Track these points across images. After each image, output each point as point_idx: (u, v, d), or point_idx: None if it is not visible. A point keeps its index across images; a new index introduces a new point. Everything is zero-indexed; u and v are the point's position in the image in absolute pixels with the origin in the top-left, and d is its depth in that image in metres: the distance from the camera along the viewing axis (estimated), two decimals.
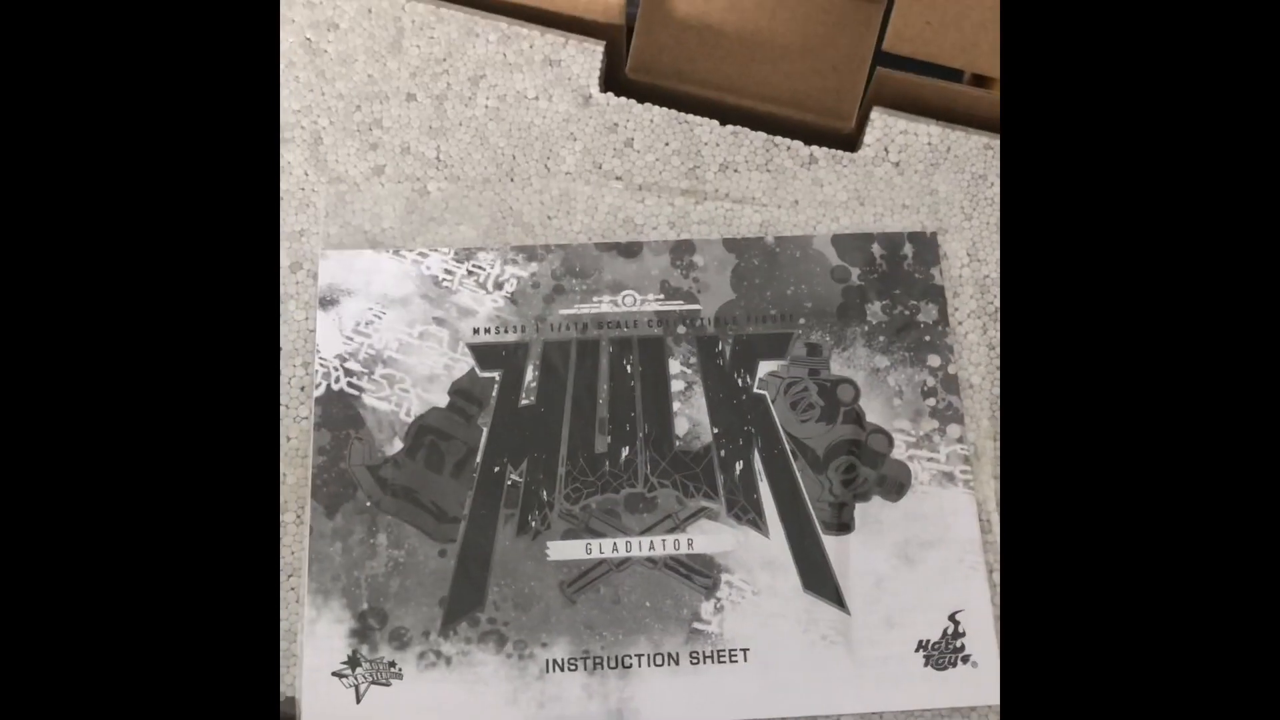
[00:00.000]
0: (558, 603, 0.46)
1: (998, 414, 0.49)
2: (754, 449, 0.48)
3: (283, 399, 0.49)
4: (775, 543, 0.47)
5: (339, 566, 0.46)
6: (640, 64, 0.56)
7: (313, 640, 0.45)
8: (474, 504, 0.47)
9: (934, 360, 0.50)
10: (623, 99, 0.55)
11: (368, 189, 0.53)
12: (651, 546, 0.47)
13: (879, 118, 0.54)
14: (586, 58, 0.55)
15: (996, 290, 0.52)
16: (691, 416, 0.49)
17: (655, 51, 0.56)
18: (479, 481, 0.48)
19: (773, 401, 0.49)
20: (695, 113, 0.55)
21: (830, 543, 0.47)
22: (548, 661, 0.45)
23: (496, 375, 0.49)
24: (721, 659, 0.45)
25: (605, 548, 0.47)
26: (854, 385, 0.50)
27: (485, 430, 0.48)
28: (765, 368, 0.50)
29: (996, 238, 0.52)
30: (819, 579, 0.47)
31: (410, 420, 0.48)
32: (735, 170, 0.54)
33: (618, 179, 0.53)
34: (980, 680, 0.45)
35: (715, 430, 0.49)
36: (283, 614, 0.47)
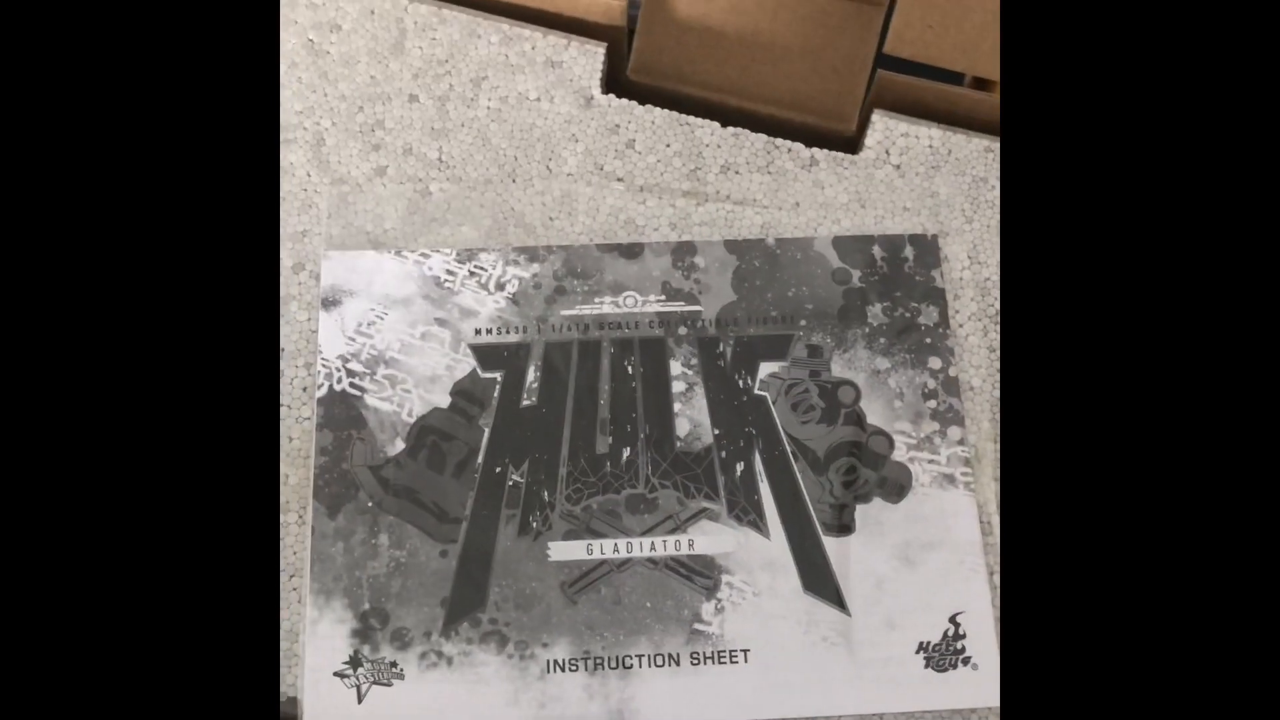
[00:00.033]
0: (559, 603, 0.46)
1: (998, 416, 0.49)
2: (755, 450, 0.49)
3: (285, 399, 0.49)
4: (776, 544, 0.47)
5: (341, 567, 0.46)
6: (641, 66, 0.56)
7: (314, 640, 0.46)
8: (475, 504, 0.47)
9: (935, 362, 0.50)
10: (624, 100, 0.55)
11: (370, 190, 0.53)
12: (652, 547, 0.47)
13: (880, 120, 0.55)
14: (588, 59, 0.55)
15: (997, 293, 0.52)
16: (692, 417, 0.49)
17: (656, 53, 0.56)
18: (480, 482, 0.48)
19: (774, 403, 0.49)
20: (696, 115, 0.55)
21: (831, 544, 0.47)
22: (549, 662, 0.45)
23: (498, 376, 0.49)
24: (722, 660, 0.46)
25: (606, 548, 0.47)
26: (855, 387, 0.50)
27: (487, 431, 0.49)
28: (766, 369, 0.50)
29: (997, 240, 0.52)
30: (819, 580, 0.47)
31: (412, 421, 0.49)
32: (736, 172, 0.54)
33: (619, 180, 0.53)
34: (980, 682, 0.45)
35: (716, 431, 0.49)
36: (285, 614, 0.47)
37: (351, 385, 0.49)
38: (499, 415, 0.49)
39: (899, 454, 0.49)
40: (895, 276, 0.52)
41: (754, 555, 0.47)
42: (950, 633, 0.46)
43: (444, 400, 0.49)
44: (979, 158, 0.54)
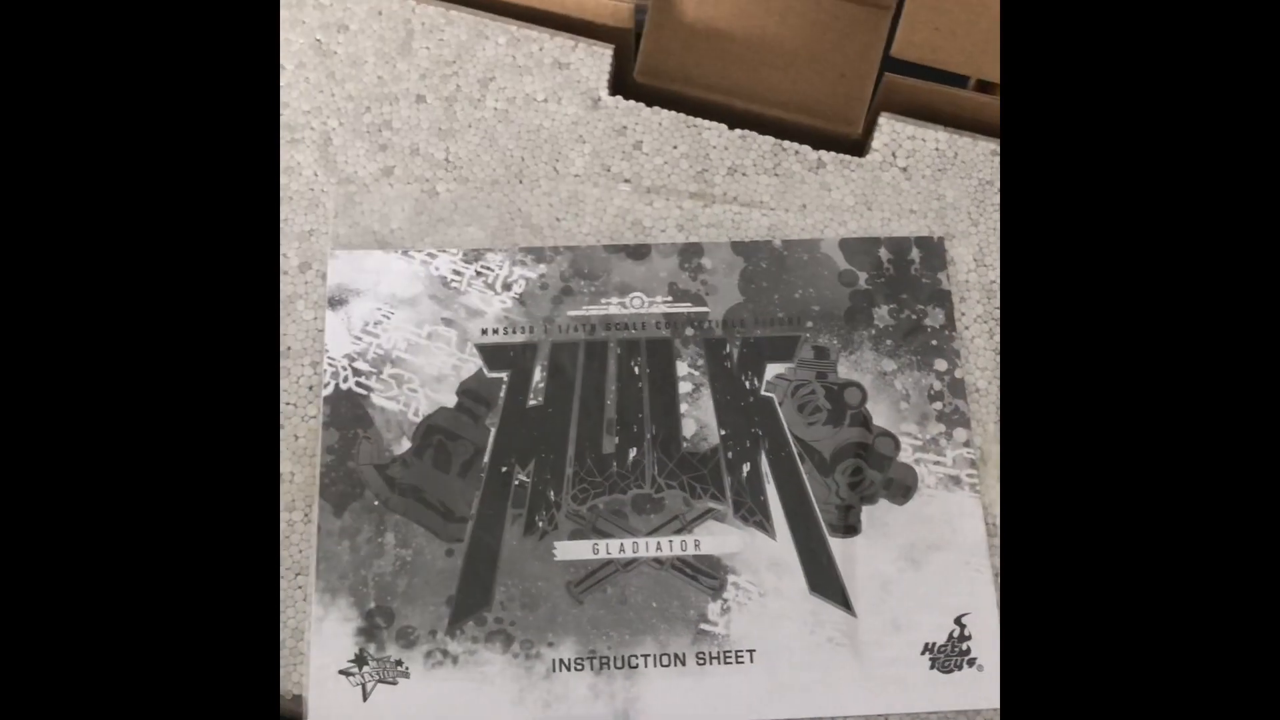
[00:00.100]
0: (564, 603, 0.46)
1: None
2: (761, 451, 0.49)
3: (291, 398, 0.49)
4: (782, 544, 0.47)
5: (346, 565, 0.46)
6: (648, 68, 0.56)
7: (320, 638, 0.45)
8: (481, 504, 0.47)
9: (941, 364, 0.50)
10: (631, 102, 0.55)
11: (377, 190, 0.53)
12: (658, 547, 0.47)
13: (887, 123, 0.55)
14: (596, 61, 0.55)
15: None
16: (699, 418, 0.49)
17: (664, 56, 0.56)
18: (486, 481, 0.48)
19: (780, 404, 0.49)
20: (703, 117, 0.55)
21: (837, 545, 0.47)
22: (554, 661, 0.45)
23: (504, 376, 0.49)
24: (728, 660, 0.45)
25: (612, 548, 0.47)
26: (861, 388, 0.50)
27: (493, 430, 0.49)
28: (773, 370, 0.50)
29: None
30: (825, 581, 0.47)
31: (418, 420, 0.49)
32: (743, 174, 0.54)
33: (626, 181, 0.54)
34: (985, 683, 0.45)
35: (722, 432, 0.49)
36: (290, 612, 0.47)
37: (358, 384, 0.49)
38: (505, 415, 0.49)
39: (905, 455, 0.49)
40: (901, 279, 0.52)
41: (760, 556, 0.47)
42: (955, 634, 0.46)
43: (450, 400, 0.49)
44: (985, 161, 0.54)
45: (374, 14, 0.56)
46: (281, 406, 0.49)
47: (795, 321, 0.51)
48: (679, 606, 0.46)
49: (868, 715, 0.45)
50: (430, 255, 0.51)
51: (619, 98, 0.55)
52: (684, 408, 0.49)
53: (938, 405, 0.49)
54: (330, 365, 0.49)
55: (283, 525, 0.48)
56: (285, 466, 0.48)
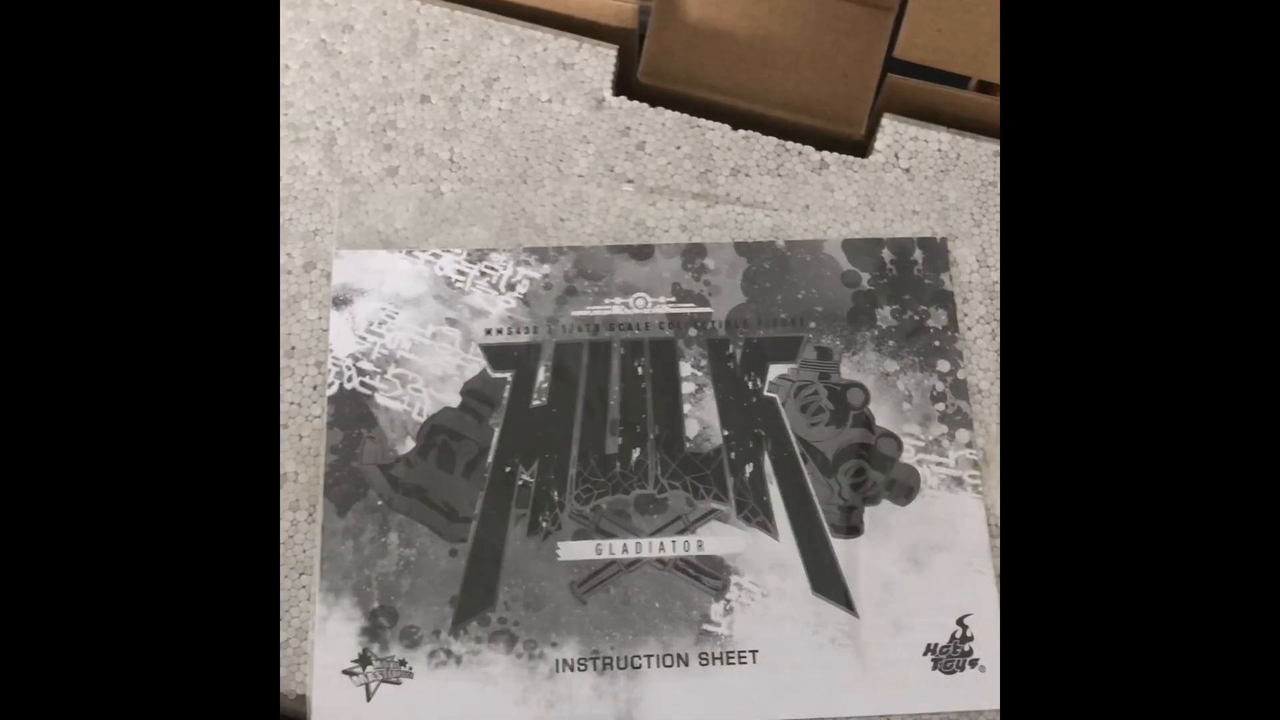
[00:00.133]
0: (568, 603, 0.46)
1: None
2: (764, 452, 0.49)
3: (295, 398, 0.50)
4: (785, 545, 0.47)
5: (350, 565, 0.46)
6: (652, 69, 0.56)
7: (323, 638, 0.46)
8: (485, 504, 0.47)
9: (943, 365, 0.50)
10: (635, 103, 0.55)
11: (381, 190, 0.53)
12: (661, 548, 0.47)
13: (889, 124, 0.55)
14: (600, 61, 0.55)
15: None
16: (702, 419, 0.49)
17: (667, 57, 0.56)
18: (490, 481, 0.48)
19: (783, 404, 0.50)
20: (706, 118, 0.55)
21: (839, 546, 0.47)
22: (558, 661, 0.45)
23: (508, 376, 0.50)
24: (730, 660, 0.46)
25: (615, 548, 0.47)
26: (864, 389, 0.50)
27: (497, 430, 0.49)
28: (775, 371, 0.50)
29: None
30: (828, 582, 0.47)
31: (422, 420, 0.49)
32: (747, 174, 0.54)
33: (630, 182, 0.54)
34: (988, 684, 0.46)
35: (725, 433, 0.49)
36: (294, 612, 0.47)
37: (362, 384, 0.49)
38: (509, 415, 0.49)
39: (907, 456, 0.49)
40: (904, 279, 0.52)
41: (763, 556, 0.47)
42: (958, 635, 0.46)
43: (454, 400, 0.49)
44: (988, 162, 0.54)
45: (379, 14, 0.56)
46: (286, 406, 0.49)
47: (798, 322, 0.51)
48: (682, 607, 0.46)
49: (870, 716, 0.45)
50: (434, 255, 0.52)
51: (623, 98, 0.55)
52: (687, 408, 0.49)
53: (940, 406, 0.50)
54: (334, 365, 0.50)
55: (287, 525, 0.48)
56: (289, 466, 0.49)
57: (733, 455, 0.49)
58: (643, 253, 0.52)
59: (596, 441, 0.49)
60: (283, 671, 0.46)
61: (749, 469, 0.48)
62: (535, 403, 0.49)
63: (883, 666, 0.46)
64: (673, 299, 0.51)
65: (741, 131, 0.55)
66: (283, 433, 0.49)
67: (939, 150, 0.54)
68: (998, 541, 0.48)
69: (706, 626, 0.46)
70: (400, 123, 0.54)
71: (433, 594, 0.46)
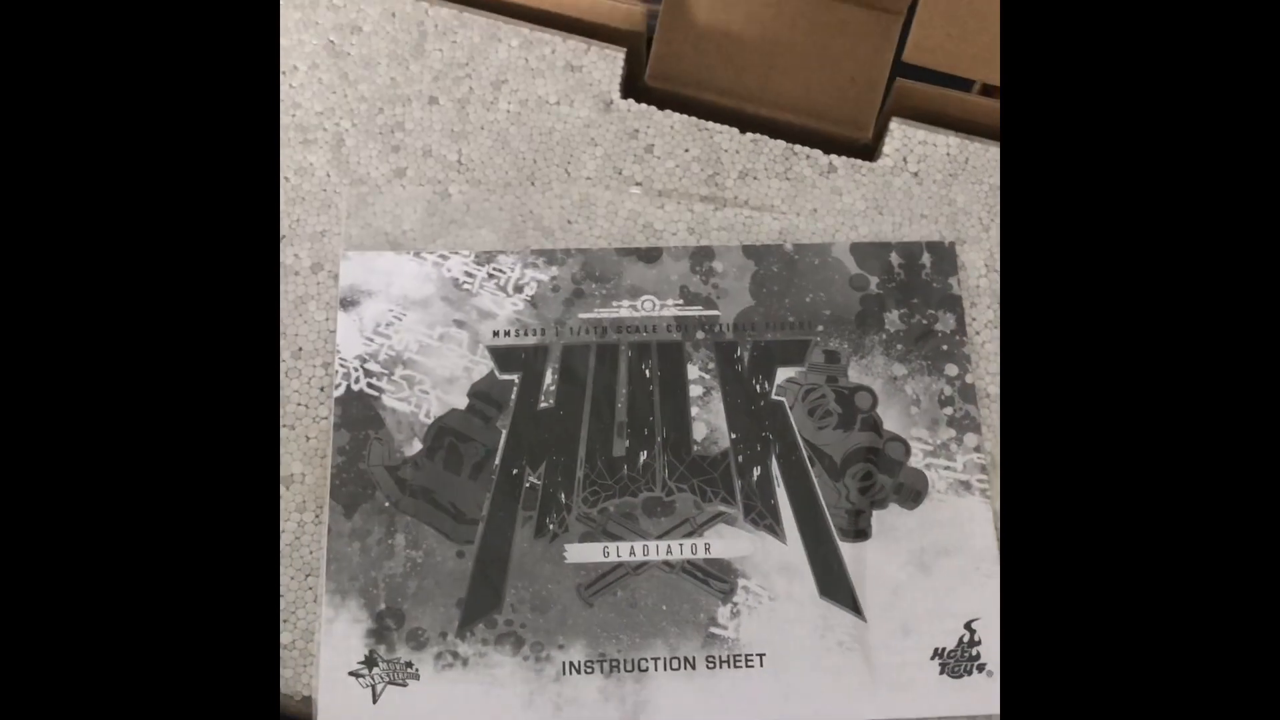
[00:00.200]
0: (575, 605, 0.46)
1: None
2: (771, 455, 0.49)
3: (302, 399, 0.49)
4: (792, 548, 0.47)
5: (357, 567, 0.46)
6: (660, 72, 0.56)
7: (330, 640, 0.45)
8: (492, 506, 0.47)
9: (951, 369, 0.50)
10: (643, 105, 0.55)
11: (389, 191, 0.53)
12: (669, 550, 0.47)
13: (898, 128, 0.55)
14: (608, 64, 0.55)
15: None
16: (709, 421, 0.49)
17: (675, 60, 0.56)
18: (497, 483, 0.48)
19: (790, 408, 0.49)
20: (714, 121, 0.55)
21: (847, 549, 0.47)
22: (564, 664, 0.45)
23: (516, 378, 0.50)
24: (738, 664, 0.45)
25: (623, 551, 0.47)
26: (871, 393, 0.50)
27: (504, 432, 0.49)
28: (783, 374, 0.50)
29: None
30: (835, 585, 0.47)
31: (429, 421, 0.49)
32: (755, 178, 0.54)
33: (638, 185, 0.54)
34: (995, 689, 0.45)
35: (733, 435, 0.49)
36: (300, 613, 0.47)
37: (369, 385, 0.49)
38: (516, 417, 0.49)
39: (915, 460, 0.49)
40: (912, 283, 0.52)
41: (770, 559, 0.47)
42: (965, 639, 0.46)
43: (461, 401, 0.49)
44: (996, 166, 0.54)
45: (387, 16, 0.56)
46: (293, 407, 0.49)
47: (806, 325, 0.51)
48: (689, 610, 0.46)
49: None
50: (442, 257, 0.52)
51: (631, 101, 0.55)
52: (695, 411, 0.49)
53: (948, 410, 0.50)
54: (342, 366, 0.49)
55: (293, 526, 0.48)
56: (296, 467, 0.48)
57: (740, 458, 0.49)
58: (651, 255, 0.52)
59: (604, 444, 0.49)
60: (289, 673, 0.46)
61: (756, 472, 0.48)
62: (543, 405, 0.49)
63: (890, 670, 0.46)
64: (680, 302, 0.51)
65: (749, 135, 0.55)
66: (290, 434, 0.49)
67: (947, 154, 0.54)
68: None
69: (714, 629, 0.46)
70: (408, 124, 0.54)
71: (439, 596, 0.46)
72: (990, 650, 0.46)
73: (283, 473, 0.48)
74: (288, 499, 0.48)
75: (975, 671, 0.46)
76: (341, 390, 0.49)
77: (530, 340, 0.50)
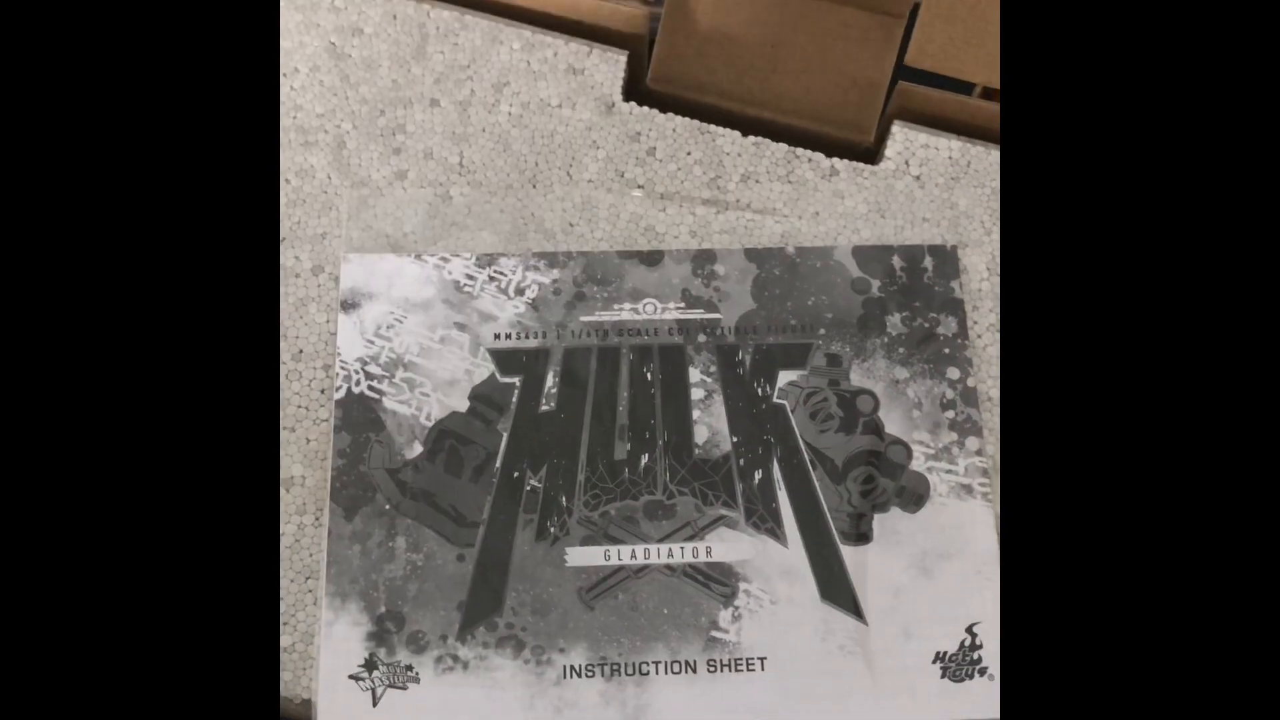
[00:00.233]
0: (576, 609, 0.46)
1: None
2: (773, 458, 0.49)
3: (303, 401, 0.49)
4: (793, 552, 0.47)
5: (357, 569, 0.46)
6: (661, 75, 0.56)
7: (330, 643, 0.45)
8: (493, 509, 0.47)
9: (953, 373, 0.50)
10: (645, 108, 0.55)
11: (390, 193, 0.53)
12: (670, 554, 0.47)
13: (900, 131, 0.55)
14: (609, 67, 0.55)
15: None
16: (711, 425, 0.49)
17: (677, 63, 0.56)
18: (498, 486, 0.48)
19: (792, 411, 0.49)
20: (716, 124, 0.55)
21: (848, 553, 0.47)
22: (565, 667, 0.45)
23: (517, 381, 0.49)
24: (739, 668, 0.45)
25: (624, 554, 0.47)
26: (873, 396, 0.50)
27: (505, 435, 0.48)
28: (785, 377, 0.50)
29: None
30: (837, 589, 0.47)
31: (430, 424, 0.49)
32: (757, 181, 0.54)
33: (639, 187, 0.54)
34: (996, 693, 0.45)
35: (734, 439, 0.49)
36: (300, 616, 0.46)
37: (370, 388, 0.49)
38: (517, 420, 0.49)
39: (917, 464, 0.49)
40: (914, 287, 0.52)
41: (771, 563, 0.47)
42: (967, 643, 0.46)
43: (462, 404, 0.49)
44: (998, 170, 0.54)
45: (389, 18, 0.56)
46: (293, 410, 0.49)
47: (808, 329, 0.51)
48: (690, 613, 0.46)
49: None
50: (443, 259, 0.51)
51: (633, 104, 0.55)
52: (696, 414, 0.49)
53: (950, 414, 0.49)
54: (342, 368, 0.49)
55: (293, 529, 0.48)
56: (296, 470, 0.48)
57: (742, 461, 0.48)
58: (652, 258, 0.52)
59: (605, 447, 0.48)
60: (288, 676, 0.46)
61: (758, 475, 0.48)
62: (544, 408, 0.49)
63: (891, 674, 0.45)
64: (682, 305, 0.51)
65: (751, 138, 0.55)
66: (290, 436, 0.49)
67: (949, 158, 0.54)
68: None
69: (715, 633, 0.46)
70: (410, 126, 0.54)
71: (440, 599, 0.46)
72: (992, 654, 0.46)
73: (283, 475, 0.48)
74: (288, 501, 0.48)
75: (976, 675, 0.46)
76: (342, 393, 0.49)
77: (531, 343, 0.50)
